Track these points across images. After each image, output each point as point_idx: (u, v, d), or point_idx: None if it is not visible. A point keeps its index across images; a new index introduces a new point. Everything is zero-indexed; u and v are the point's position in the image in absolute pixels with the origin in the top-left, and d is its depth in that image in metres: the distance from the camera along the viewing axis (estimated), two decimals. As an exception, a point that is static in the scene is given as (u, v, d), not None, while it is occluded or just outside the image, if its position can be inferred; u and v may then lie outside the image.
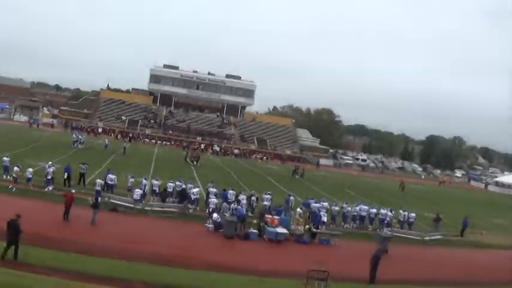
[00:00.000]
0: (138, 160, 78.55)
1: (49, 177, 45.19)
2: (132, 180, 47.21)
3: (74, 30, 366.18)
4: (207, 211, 42.97)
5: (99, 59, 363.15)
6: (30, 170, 45.71)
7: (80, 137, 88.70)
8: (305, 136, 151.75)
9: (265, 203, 47.81)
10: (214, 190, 46.90)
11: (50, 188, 44.81)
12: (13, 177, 44.17)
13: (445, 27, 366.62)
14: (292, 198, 51.61)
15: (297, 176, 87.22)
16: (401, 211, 51.22)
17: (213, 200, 43.81)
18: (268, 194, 50.07)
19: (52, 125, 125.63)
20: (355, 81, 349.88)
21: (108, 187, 45.05)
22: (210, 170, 77.63)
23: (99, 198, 39.41)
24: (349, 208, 49.60)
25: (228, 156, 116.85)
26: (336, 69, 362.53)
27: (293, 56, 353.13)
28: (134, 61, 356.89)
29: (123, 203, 42.57)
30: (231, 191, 47.08)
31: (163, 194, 45.67)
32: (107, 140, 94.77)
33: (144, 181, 47.15)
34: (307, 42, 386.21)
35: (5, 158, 47.87)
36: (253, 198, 48.45)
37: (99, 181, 43.68)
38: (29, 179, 44.78)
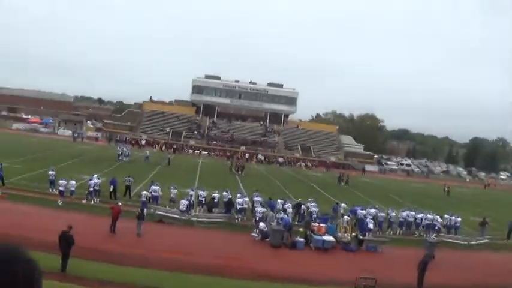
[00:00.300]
0: (183, 171, 78.89)
1: (91, 189, 45.58)
2: (175, 191, 47.50)
3: (114, 44, 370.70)
4: (254, 220, 43.14)
5: (140, 71, 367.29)
6: (73, 183, 46.17)
7: (124, 149, 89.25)
8: (349, 142, 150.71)
9: (313, 209, 47.51)
10: (260, 199, 46.96)
11: (96, 200, 45.29)
12: (59, 190, 44.59)
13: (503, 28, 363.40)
14: (343, 204, 51.38)
15: (342, 183, 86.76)
16: (447, 216, 50.47)
17: (259, 209, 43.85)
18: (313, 201, 49.82)
19: (96, 139, 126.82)
20: (396, 83, 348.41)
21: (153, 199, 45.37)
22: (255, 179, 77.49)
23: (145, 210, 39.76)
24: (395, 214, 49.16)
25: (272, 165, 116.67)
26: (378, 71, 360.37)
27: (334, 59, 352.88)
28: (176, 73, 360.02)
29: (170, 214, 42.78)
30: (279, 201, 47.13)
31: (209, 205, 45.79)
32: (147, 152, 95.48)
33: (190, 192, 47.45)
34: (346, 43, 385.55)
35: (50, 172, 48.49)
36: (303, 207, 48.28)
37: (144, 193, 44.10)
38: (72, 192, 45.21)
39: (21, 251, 2.17)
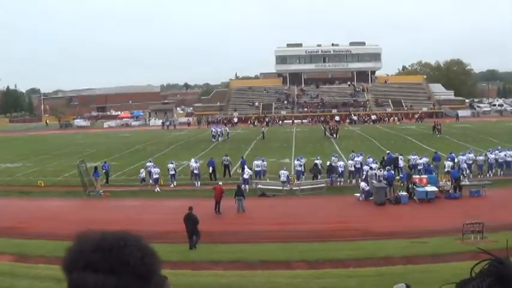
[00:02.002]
0: (279, 142, 79.27)
1: (196, 172, 46.71)
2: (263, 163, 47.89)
3: (195, 25, 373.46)
4: (355, 181, 43.65)
5: (222, 50, 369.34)
6: (171, 166, 47.32)
7: (218, 130, 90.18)
8: (439, 90, 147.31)
9: (419, 161, 46.83)
10: (359, 159, 47.12)
11: (198, 184, 46.34)
12: (154, 179, 45.77)
13: None
14: (443, 155, 50.56)
15: (437, 132, 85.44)
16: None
17: (366, 167, 43.92)
18: (415, 154, 49.30)
19: (188, 124, 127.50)
20: (480, 25, 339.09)
21: (256, 174, 45.89)
22: (350, 141, 77.28)
23: (247, 186, 40.68)
24: (494, 155, 48.14)
25: (366, 124, 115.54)
26: (459, 18, 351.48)
27: (411, 10, 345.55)
28: (257, 46, 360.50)
29: (271, 187, 43.42)
30: (370, 159, 46.94)
31: (314, 171, 45.93)
32: (218, 129, 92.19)
33: (296, 161, 48.29)
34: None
35: (148, 164, 49.36)
36: (400, 159, 48.10)
37: (247, 170, 44.61)
38: (156, 180, 46.02)
39: (136, 237, 2.25)
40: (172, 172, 47.03)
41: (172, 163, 48.11)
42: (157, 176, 45.66)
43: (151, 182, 46.16)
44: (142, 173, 47.01)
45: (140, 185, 46.27)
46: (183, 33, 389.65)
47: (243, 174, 44.50)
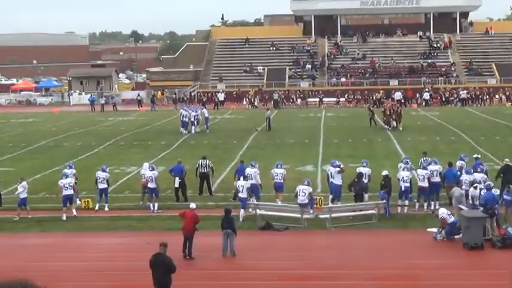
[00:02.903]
0: (295, 136, 79.63)
1: (151, 186, 45.81)
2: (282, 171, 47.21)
3: None
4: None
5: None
6: (103, 176, 46.55)
7: (191, 113, 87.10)
8: None
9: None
10: (436, 168, 46.47)
11: (154, 207, 45.72)
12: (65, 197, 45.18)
13: None
14: None
15: None
16: None
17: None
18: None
19: (139, 102, 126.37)
20: None
21: (251, 190, 45.23)
22: (421, 135, 77.62)
23: (242, 212, 40.43)
24: None
25: (449, 106, 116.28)
26: None
27: None
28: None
29: (282, 213, 42.92)
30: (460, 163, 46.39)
31: (358, 185, 45.08)
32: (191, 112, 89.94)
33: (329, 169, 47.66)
34: None
35: (66, 171, 48.47)
36: None
37: (239, 183, 44.22)
38: (103, 192, 46.25)
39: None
40: (103, 186, 46.53)
41: (105, 170, 47.68)
42: (70, 190, 45.02)
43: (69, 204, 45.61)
44: (65, 191, 45.78)
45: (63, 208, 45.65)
46: None
47: (238, 191, 44.20)
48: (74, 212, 44.71)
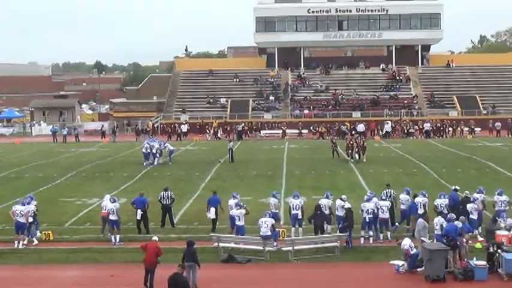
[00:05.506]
0: (258, 168, 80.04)
1: (113, 217, 45.53)
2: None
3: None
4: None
5: (164, 10, 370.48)
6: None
7: (154, 145, 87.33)
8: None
9: (502, 206, 46.15)
10: (407, 197, 47.24)
11: (116, 239, 45.49)
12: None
13: None
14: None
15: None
16: None
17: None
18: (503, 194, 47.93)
19: (103, 133, 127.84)
20: None
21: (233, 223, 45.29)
22: (383, 167, 78.11)
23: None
24: None
25: (411, 139, 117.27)
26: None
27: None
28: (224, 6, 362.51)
29: (244, 246, 42.69)
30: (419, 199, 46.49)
31: (315, 219, 45.10)
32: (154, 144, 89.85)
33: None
34: None
35: (24, 203, 48.16)
36: (473, 204, 46.83)
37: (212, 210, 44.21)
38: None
39: None
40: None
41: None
42: (21, 218, 44.50)
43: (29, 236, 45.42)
44: (17, 218, 45.22)
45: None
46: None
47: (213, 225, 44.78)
48: (35, 241, 44.50)
